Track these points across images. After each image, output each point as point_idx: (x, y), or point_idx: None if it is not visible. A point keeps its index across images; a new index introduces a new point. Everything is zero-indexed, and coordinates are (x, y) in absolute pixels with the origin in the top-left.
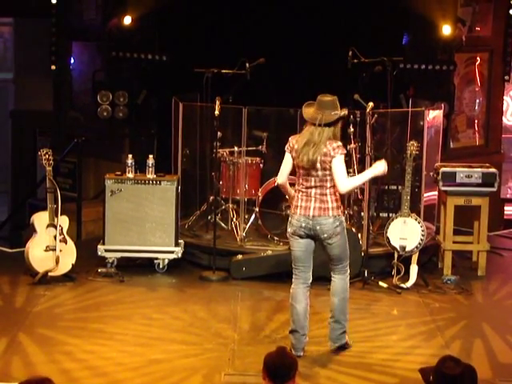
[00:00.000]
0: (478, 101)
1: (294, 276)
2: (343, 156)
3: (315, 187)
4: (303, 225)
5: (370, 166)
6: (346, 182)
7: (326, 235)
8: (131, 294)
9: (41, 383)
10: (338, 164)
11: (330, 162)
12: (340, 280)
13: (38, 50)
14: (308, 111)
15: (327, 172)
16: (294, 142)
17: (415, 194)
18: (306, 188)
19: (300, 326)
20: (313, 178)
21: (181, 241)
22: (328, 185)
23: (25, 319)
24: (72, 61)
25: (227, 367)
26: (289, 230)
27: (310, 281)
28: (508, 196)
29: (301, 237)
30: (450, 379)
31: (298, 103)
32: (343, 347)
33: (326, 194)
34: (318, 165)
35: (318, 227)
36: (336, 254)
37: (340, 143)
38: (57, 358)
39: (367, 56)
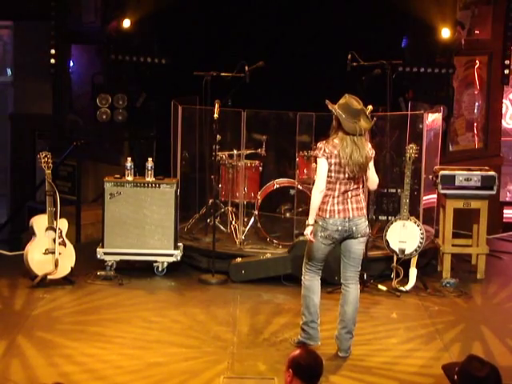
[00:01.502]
0: (477, 104)
1: (308, 271)
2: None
3: (351, 190)
4: (340, 228)
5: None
6: (377, 181)
7: (360, 235)
8: (130, 297)
9: None
10: (372, 163)
11: (369, 163)
12: (355, 290)
13: (38, 52)
14: (348, 124)
15: (361, 173)
16: (331, 147)
17: (414, 197)
18: (344, 192)
19: (317, 317)
20: (352, 181)
21: (180, 244)
22: (361, 186)
23: (24, 322)
24: (71, 64)
25: (226, 370)
26: (322, 233)
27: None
28: (507, 199)
29: (334, 241)
30: (476, 380)
31: (297, 106)
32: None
33: (359, 195)
34: (363, 168)
35: (354, 228)
36: (360, 254)
37: (370, 144)
38: (56, 361)
39: (366, 59)
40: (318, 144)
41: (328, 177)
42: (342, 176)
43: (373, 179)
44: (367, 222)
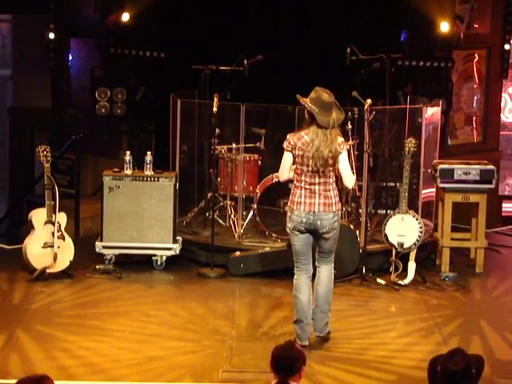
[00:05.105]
0: (476, 98)
1: (296, 268)
2: (347, 150)
3: (319, 183)
4: (304, 220)
5: (368, 162)
6: (353, 178)
7: (325, 230)
8: (129, 290)
9: (39, 381)
10: (345, 159)
11: (338, 157)
12: (326, 270)
13: (36, 46)
14: (321, 118)
15: (331, 168)
16: (296, 139)
17: (413, 191)
18: (310, 184)
19: (304, 316)
20: (317, 175)
21: (179, 237)
22: (330, 180)
23: (23, 316)
24: (70, 57)
25: (225, 364)
26: (289, 225)
27: (312, 272)
28: (506, 193)
29: (301, 232)
30: (451, 374)
31: (296, 100)
32: (327, 338)
33: (329, 190)
34: (329, 161)
35: (318, 222)
36: (329, 247)
37: (342, 138)
38: (55, 355)
39: (365, 53)
40: (287, 135)
41: (296, 169)
42: (305, 168)
43: (346, 177)
44: (337, 217)
